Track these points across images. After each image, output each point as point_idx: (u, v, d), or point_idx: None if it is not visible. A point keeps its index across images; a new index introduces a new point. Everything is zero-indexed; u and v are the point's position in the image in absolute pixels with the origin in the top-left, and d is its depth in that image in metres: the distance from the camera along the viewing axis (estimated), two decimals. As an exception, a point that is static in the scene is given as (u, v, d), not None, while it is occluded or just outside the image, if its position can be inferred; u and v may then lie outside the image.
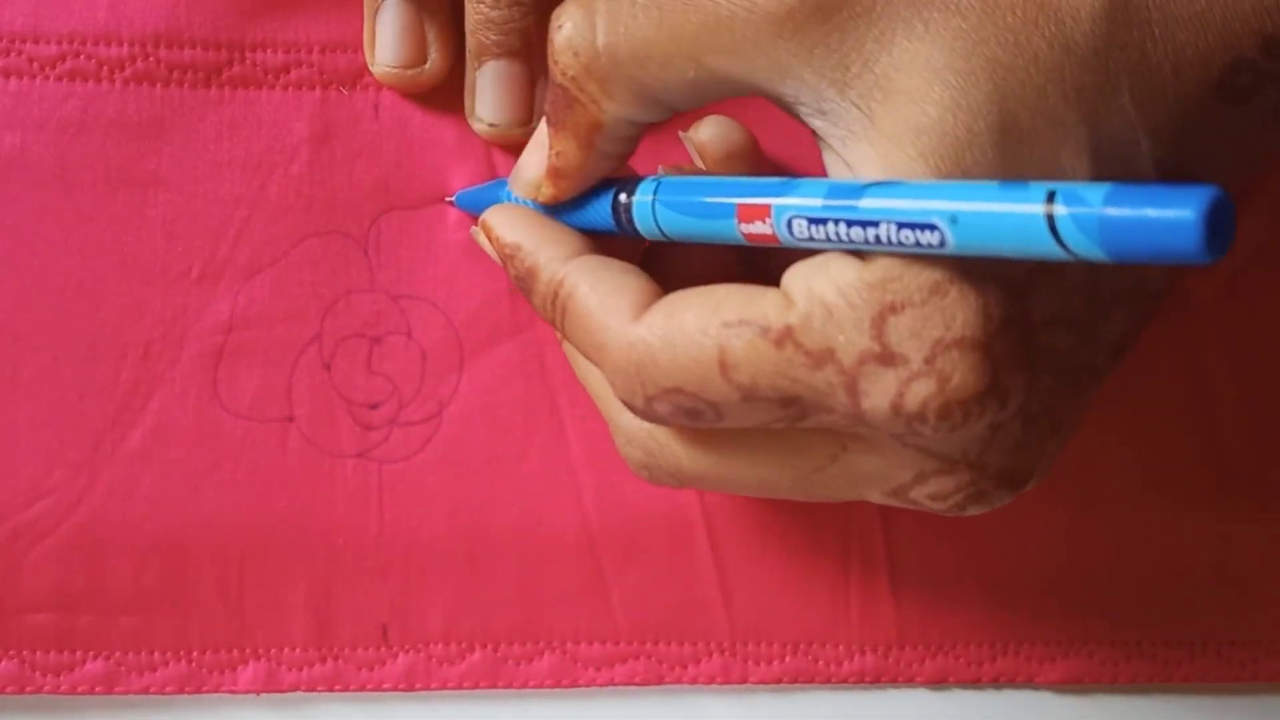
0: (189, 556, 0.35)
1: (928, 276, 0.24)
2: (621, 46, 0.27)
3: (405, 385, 0.36)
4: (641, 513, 0.36)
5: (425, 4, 0.35)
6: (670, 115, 0.29)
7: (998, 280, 0.25)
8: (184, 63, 0.36)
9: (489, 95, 0.35)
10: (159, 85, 0.36)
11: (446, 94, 0.36)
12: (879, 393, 0.25)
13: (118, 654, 0.35)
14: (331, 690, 0.36)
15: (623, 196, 0.30)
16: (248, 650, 0.36)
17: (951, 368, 0.24)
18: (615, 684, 0.36)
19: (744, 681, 0.36)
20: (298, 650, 0.36)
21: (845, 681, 0.36)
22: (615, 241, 0.31)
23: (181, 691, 0.35)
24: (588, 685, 0.36)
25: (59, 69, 0.35)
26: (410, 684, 0.36)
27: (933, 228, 0.23)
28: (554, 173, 0.30)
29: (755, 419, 0.27)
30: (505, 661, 0.36)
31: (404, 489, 0.36)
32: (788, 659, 0.36)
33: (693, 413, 0.27)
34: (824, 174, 0.27)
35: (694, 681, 0.36)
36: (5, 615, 0.35)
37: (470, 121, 0.36)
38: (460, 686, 0.36)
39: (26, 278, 0.35)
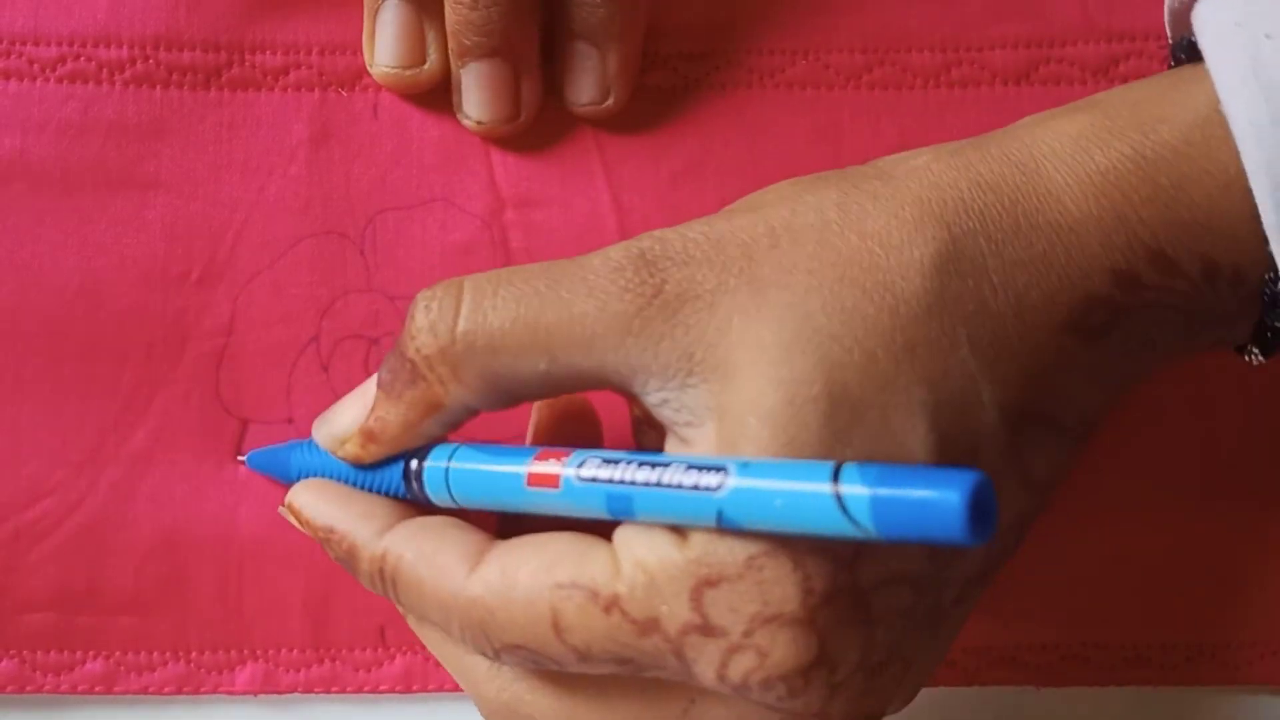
0: (188, 557, 0.35)
1: (743, 550, 0.25)
2: (479, 335, 0.27)
3: (403, 387, 0.36)
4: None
5: (425, 5, 0.35)
6: (513, 405, 0.29)
7: (820, 552, 0.25)
8: (183, 64, 0.36)
9: (474, 94, 0.35)
10: (158, 87, 0.36)
11: (445, 95, 0.36)
12: (705, 661, 0.25)
13: (117, 654, 0.35)
14: (329, 691, 0.36)
15: (413, 463, 0.30)
16: (246, 651, 0.36)
17: (770, 643, 0.25)
18: (613, 685, 0.36)
19: (741, 683, 0.36)
20: (295, 651, 0.36)
21: (842, 683, 0.36)
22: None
23: (180, 692, 0.35)
24: (585, 686, 0.36)
25: (59, 71, 0.36)
26: (408, 685, 0.36)
27: (720, 469, 0.24)
28: (367, 435, 0.30)
29: (594, 672, 0.27)
30: (503, 662, 0.36)
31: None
32: (785, 661, 0.36)
33: (538, 663, 0.27)
34: None
35: (691, 683, 0.36)
36: (5, 615, 0.35)
37: (459, 118, 0.36)
38: (457, 688, 0.36)
39: (27, 279, 0.35)
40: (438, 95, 0.36)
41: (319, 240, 0.36)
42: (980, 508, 0.22)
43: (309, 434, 0.35)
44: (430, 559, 0.28)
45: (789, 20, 0.37)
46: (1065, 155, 0.27)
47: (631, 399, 0.28)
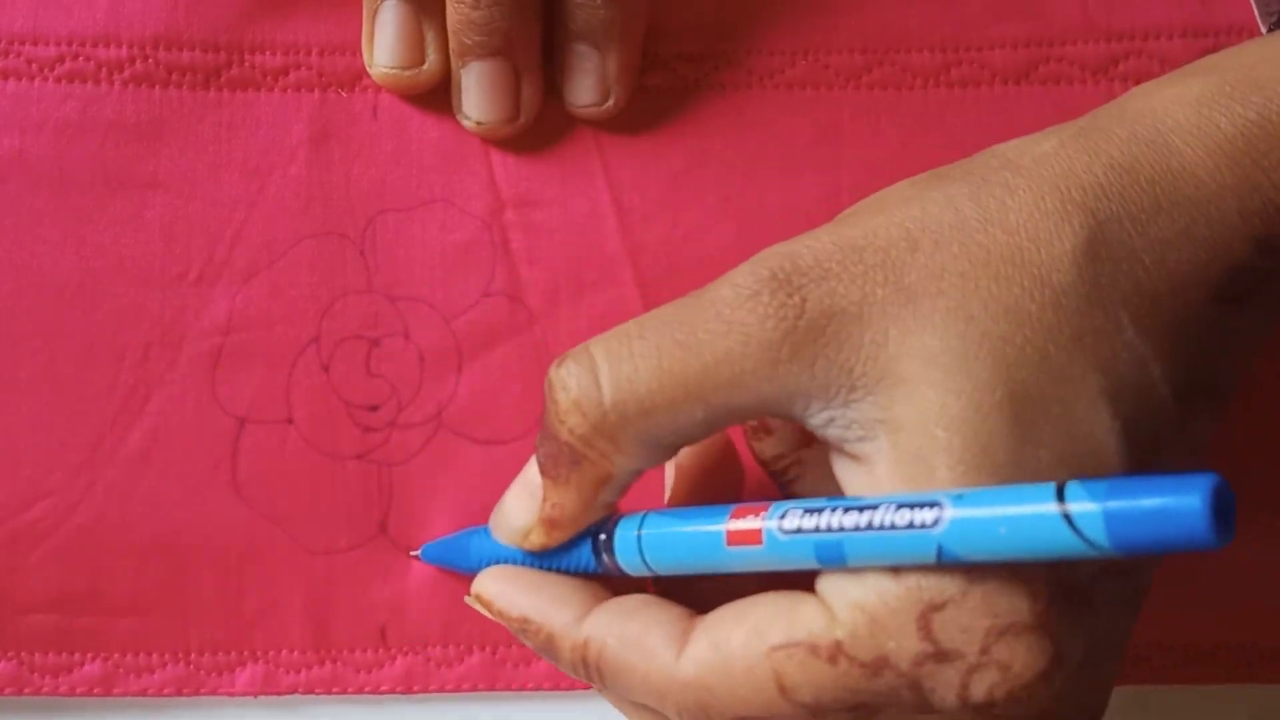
0: (187, 558, 0.35)
1: (960, 569, 0.24)
2: (629, 402, 0.27)
3: (404, 387, 0.36)
4: (640, 514, 0.36)
5: (424, 5, 0.35)
6: (678, 451, 0.29)
7: None
8: (183, 65, 0.36)
9: (474, 94, 0.35)
10: (158, 87, 0.36)
11: (445, 95, 0.36)
12: (943, 688, 0.25)
13: (116, 655, 0.35)
14: (329, 692, 0.36)
15: (602, 537, 0.29)
16: (246, 652, 0.35)
17: (1009, 655, 0.24)
18: (614, 686, 0.36)
19: (742, 683, 0.36)
20: (296, 652, 0.36)
21: (844, 683, 0.36)
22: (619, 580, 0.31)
23: (179, 693, 0.35)
24: (586, 687, 0.36)
25: (58, 70, 0.35)
26: (408, 686, 0.36)
27: (934, 504, 0.24)
28: (549, 523, 0.29)
29: None
30: (504, 663, 0.36)
31: (403, 491, 0.36)
32: (786, 661, 0.36)
33: None
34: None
35: (692, 683, 0.36)
36: (4, 616, 0.35)
37: (459, 119, 0.36)
38: (459, 689, 0.36)
39: (25, 279, 0.35)
40: (437, 96, 0.36)
41: (319, 240, 0.36)
42: (1222, 508, 0.21)
43: (308, 432, 0.36)
44: (635, 644, 0.28)
45: (789, 20, 0.37)
46: (1190, 127, 0.27)
47: (795, 421, 0.27)
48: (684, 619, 0.28)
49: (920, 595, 0.24)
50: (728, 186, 0.36)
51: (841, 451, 0.26)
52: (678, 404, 0.26)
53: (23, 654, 0.35)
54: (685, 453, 0.32)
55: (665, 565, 0.29)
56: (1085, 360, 0.25)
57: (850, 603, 0.25)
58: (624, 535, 0.29)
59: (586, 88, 0.35)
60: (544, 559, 0.31)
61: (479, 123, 0.35)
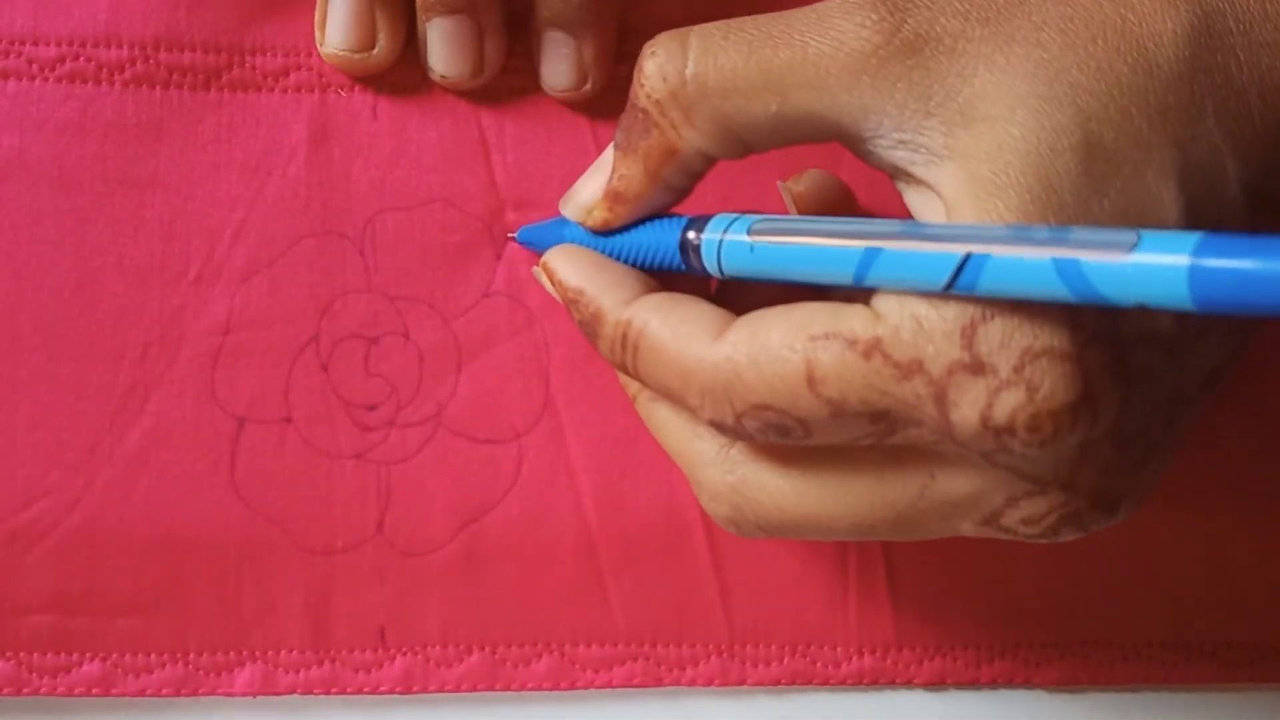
0: (186, 558, 0.35)
1: (1011, 298, 0.24)
2: (710, 76, 0.27)
3: (403, 386, 0.36)
4: (640, 514, 0.36)
5: None
6: (744, 155, 0.29)
7: None
8: (183, 65, 0.36)
9: (438, 49, 0.35)
10: (158, 88, 0.36)
11: (445, 96, 0.36)
12: (968, 403, 0.25)
13: (115, 656, 0.35)
14: (328, 693, 0.36)
15: (691, 234, 0.30)
16: (244, 652, 0.35)
17: (1040, 377, 0.24)
18: (614, 686, 0.36)
19: (742, 683, 0.36)
20: (294, 652, 0.36)
21: (843, 683, 0.36)
22: (675, 282, 0.31)
23: (178, 694, 0.35)
24: (586, 687, 0.36)
25: (58, 71, 0.35)
26: (408, 686, 0.36)
27: (1011, 235, 0.24)
28: (612, 196, 0.30)
29: (844, 435, 0.27)
30: (503, 664, 0.36)
31: (402, 491, 0.36)
32: (786, 660, 0.36)
33: (781, 429, 0.27)
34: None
35: (692, 683, 0.36)
36: (2, 616, 0.35)
37: (427, 73, 0.36)
38: (458, 689, 0.36)
39: (24, 279, 0.35)
40: (437, 96, 0.36)
41: (318, 240, 0.36)
42: None
43: (307, 432, 0.36)
44: (675, 327, 0.28)
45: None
46: None
47: (859, 151, 0.27)
48: (728, 317, 0.28)
49: (970, 310, 0.24)
50: (727, 187, 0.36)
51: (908, 177, 0.27)
52: (756, 92, 0.27)
53: (21, 654, 0.35)
54: (805, 186, 0.32)
55: (753, 262, 0.28)
56: (1165, 133, 0.25)
57: (901, 307, 0.25)
58: (710, 237, 0.29)
59: (562, 73, 0.36)
60: (625, 250, 0.31)
61: (443, 76, 0.36)
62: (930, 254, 0.24)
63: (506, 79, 0.36)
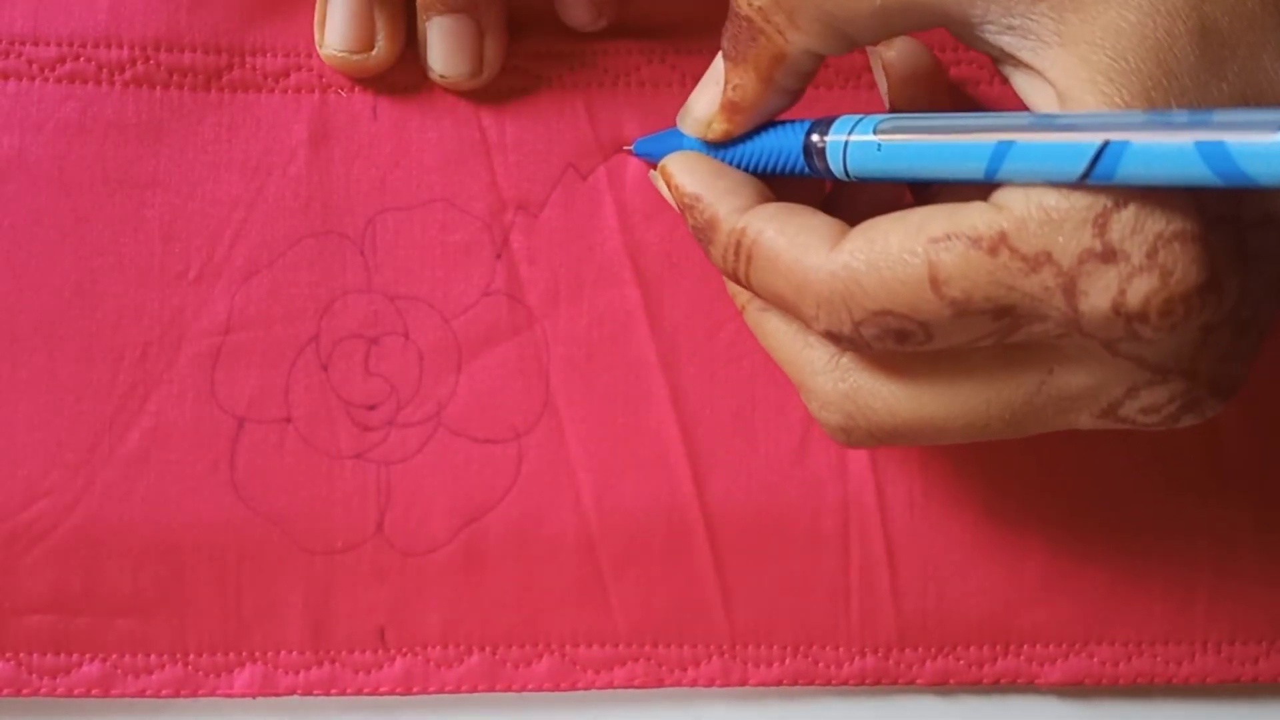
0: (186, 558, 0.35)
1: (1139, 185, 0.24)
2: None
3: (403, 386, 0.36)
4: (641, 514, 0.36)
5: None
6: (851, 49, 0.29)
7: None
8: (184, 66, 0.36)
9: (438, 48, 0.35)
10: (158, 88, 0.36)
11: (445, 96, 0.36)
12: (1099, 291, 0.24)
13: (114, 656, 0.35)
14: (328, 693, 0.35)
15: (815, 136, 0.29)
16: (244, 653, 0.35)
17: (1173, 261, 0.24)
18: (614, 686, 0.36)
19: (744, 683, 0.36)
20: (294, 653, 0.35)
21: (845, 683, 0.36)
22: (790, 194, 0.31)
23: (178, 694, 0.35)
24: (586, 688, 0.36)
25: (58, 71, 0.36)
26: (408, 687, 0.36)
27: (1138, 122, 0.23)
28: (729, 107, 0.30)
29: (966, 335, 0.26)
30: (503, 664, 0.36)
31: (402, 490, 0.36)
32: (788, 661, 0.36)
33: (901, 334, 0.27)
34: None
35: (693, 684, 0.36)
36: (2, 617, 0.35)
37: (427, 73, 0.36)
38: (458, 689, 0.36)
39: (24, 279, 0.35)
40: (437, 96, 0.36)
41: (319, 240, 0.36)
42: None
43: (307, 432, 0.35)
44: (791, 236, 0.28)
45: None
46: None
47: (965, 37, 0.27)
48: (845, 228, 0.28)
49: (1102, 198, 0.24)
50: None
51: (1016, 62, 0.27)
52: None
53: (21, 655, 0.35)
54: (895, 53, 0.32)
55: (880, 161, 0.28)
56: (1277, 14, 0.25)
57: (1028, 197, 0.25)
58: (844, 125, 0.29)
59: (579, 6, 0.36)
60: (746, 157, 0.31)
61: (443, 76, 0.36)
62: (1066, 144, 0.24)
63: (506, 79, 0.36)
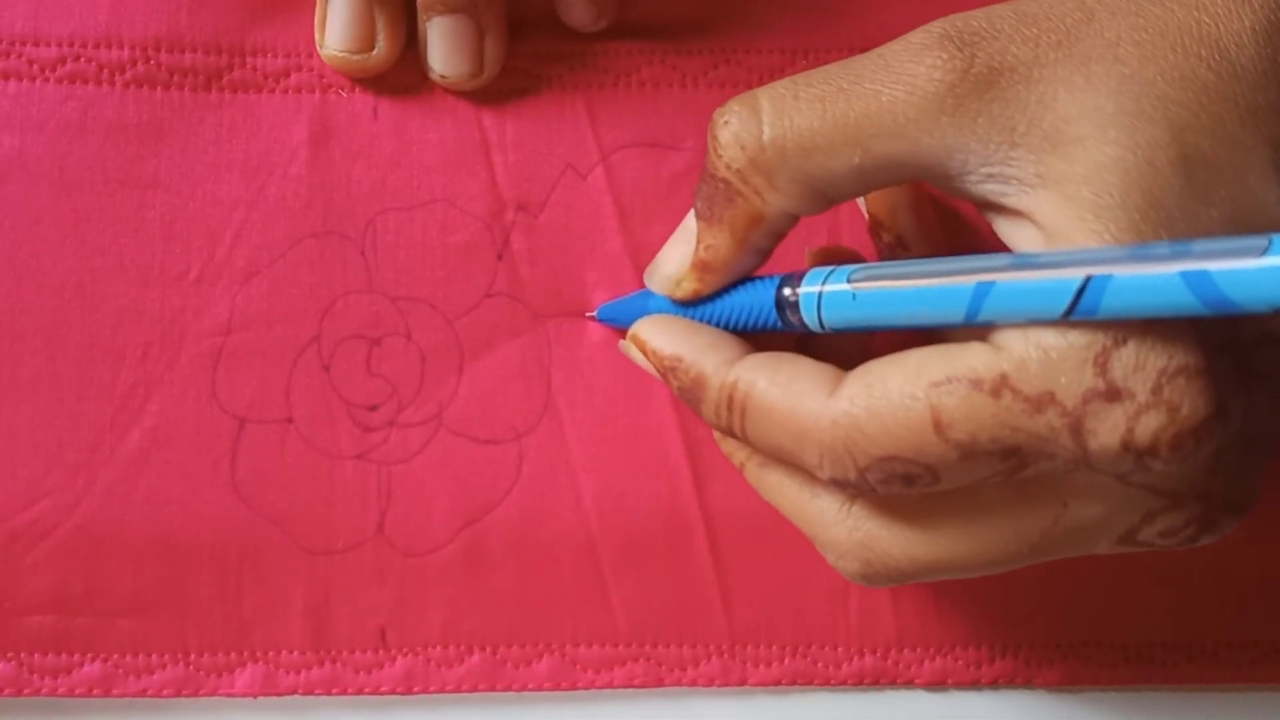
0: (187, 559, 0.35)
1: (1138, 320, 0.24)
2: (788, 139, 0.27)
3: (404, 387, 0.36)
4: (641, 515, 0.36)
5: None
6: (828, 208, 0.29)
7: None
8: (184, 66, 0.36)
9: (438, 49, 0.35)
10: (159, 88, 0.36)
11: (445, 96, 0.36)
12: (1106, 430, 0.24)
13: (115, 656, 0.35)
14: (329, 693, 0.35)
15: (787, 290, 0.29)
16: (245, 653, 0.35)
17: (1179, 396, 0.24)
18: (614, 686, 0.36)
19: (743, 683, 0.36)
20: (295, 653, 0.35)
21: (844, 683, 0.36)
22: (765, 343, 0.31)
23: (179, 694, 0.35)
24: (587, 688, 0.36)
25: (59, 71, 0.35)
26: (409, 687, 0.36)
27: (1135, 255, 0.23)
28: (701, 266, 0.30)
29: (973, 476, 0.26)
30: (504, 664, 0.36)
31: (403, 491, 0.36)
32: (787, 661, 0.36)
33: (908, 478, 0.26)
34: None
35: (693, 683, 0.36)
36: (3, 617, 0.35)
37: (427, 73, 0.36)
38: (459, 689, 0.36)
39: (25, 279, 0.35)
40: (438, 97, 0.36)
41: (319, 240, 0.36)
42: None
43: (308, 432, 0.36)
44: (785, 385, 0.28)
45: (788, 20, 0.37)
46: None
47: (946, 188, 0.27)
48: (837, 372, 0.28)
49: (1101, 335, 0.24)
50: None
51: (999, 209, 0.27)
52: (836, 147, 0.27)
53: (22, 655, 0.35)
54: (875, 198, 0.32)
55: (856, 310, 0.28)
56: (1260, 132, 0.25)
57: (1025, 339, 0.25)
58: (808, 291, 0.29)
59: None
60: (717, 315, 0.31)
61: (443, 76, 0.36)
62: (1047, 281, 0.24)
63: (507, 79, 0.36)
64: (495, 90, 0.36)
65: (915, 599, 0.36)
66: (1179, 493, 0.26)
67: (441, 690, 0.36)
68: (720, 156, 0.28)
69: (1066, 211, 0.25)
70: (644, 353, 0.31)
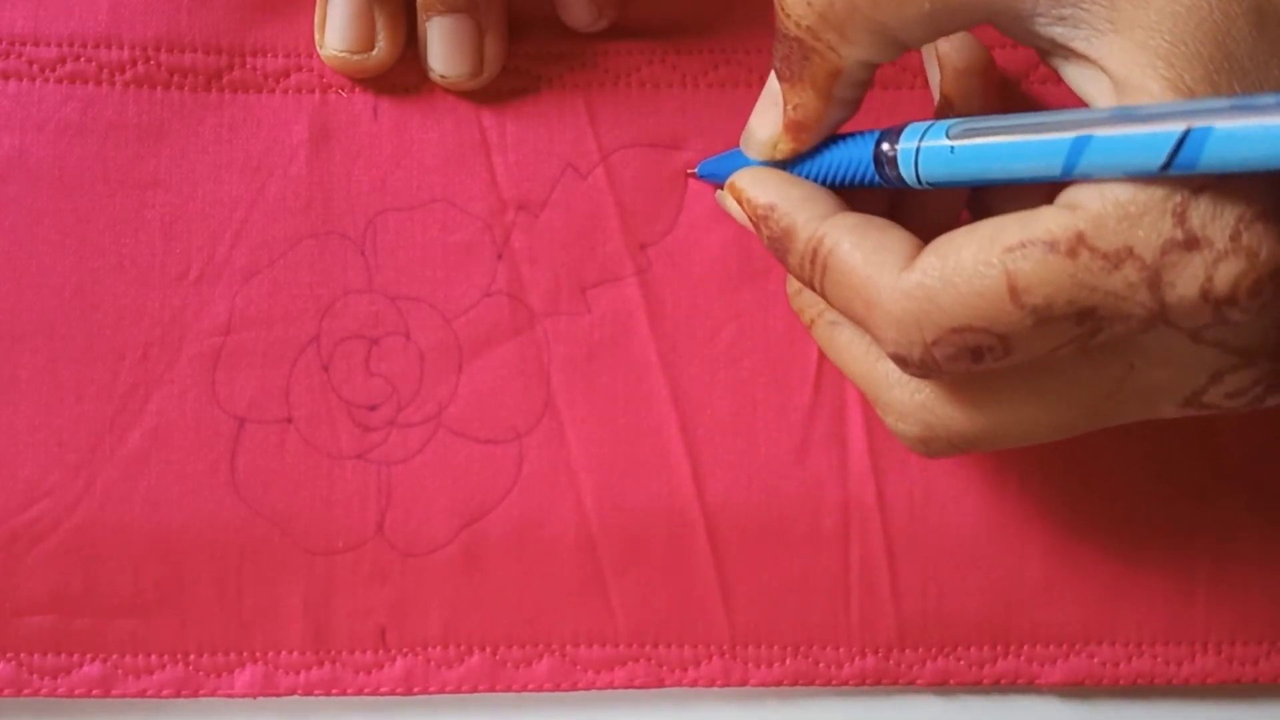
0: (186, 559, 0.35)
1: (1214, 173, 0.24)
2: None
3: (404, 386, 0.36)
4: (641, 514, 0.36)
5: None
6: (903, 53, 0.29)
7: None
8: (184, 66, 0.36)
9: (438, 48, 0.35)
10: (159, 88, 0.36)
11: (445, 96, 0.36)
12: (1185, 281, 0.24)
13: (115, 657, 0.35)
14: (329, 694, 0.35)
15: (885, 145, 0.29)
16: (245, 653, 0.35)
17: (1258, 242, 0.24)
18: (615, 687, 0.36)
19: (744, 684, 0.36)
20: (295, 653, 0.35)
21: (846, 684, 0.36)
22: (857, 200, 0.31)
23: (178, 694, 0.35)
24: (587, 688, 0.36)
25: (59, 71, 0.36)
26: (408, 687, 0.36)
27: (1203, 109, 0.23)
28: (793, 126, 0.30)
29: (1046, 345, 0.26)
30: (504, 664, 0.36)
31: (402, 491, 0.36)
32: (788, 661, 0.36)
33: (977, 351, 0.26)
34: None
35: (694, 684, 0.36)
36: (2, 617, 0.35)
37: (427, 73, 0.36)
38: (459, 690, 0.36)
39: (25, 279, 0.35)
40: (438, 97, 0.36)
41: (319, 240, 0.36)
42: None
43: (308, 432, 0.36)
44: (868, 252, 0.28)
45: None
46: None
47: (1015, 32, 0.27)
48: (919, 245, 0.28)
49: (1178, 187, 0.24)
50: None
51: (1068, 52, 0.26)
52: None
53: (21, 655, 0.35)
54: (950, 47, 0.32)
55: (954, 165, 0.28)
56: None
57: (1102, 196, 0.25)
58: (914, 132, 0.29)
59: (580, 7, 0.36)
60: (815, 172, 0.31)
61: (443, 76, 0.36)
62: (1145, 135, 0.24)
63: (507, 79, 0.36)
64: (495, 90, 0.36)
65: (917, 599, 0.36)
66: (1251, 350, 0.26)
67: (441, 691, 0.36)
68: (789, 16, 0.28)
69: (1139, 58, 0.25)
70: (739, 201, 0.31)
